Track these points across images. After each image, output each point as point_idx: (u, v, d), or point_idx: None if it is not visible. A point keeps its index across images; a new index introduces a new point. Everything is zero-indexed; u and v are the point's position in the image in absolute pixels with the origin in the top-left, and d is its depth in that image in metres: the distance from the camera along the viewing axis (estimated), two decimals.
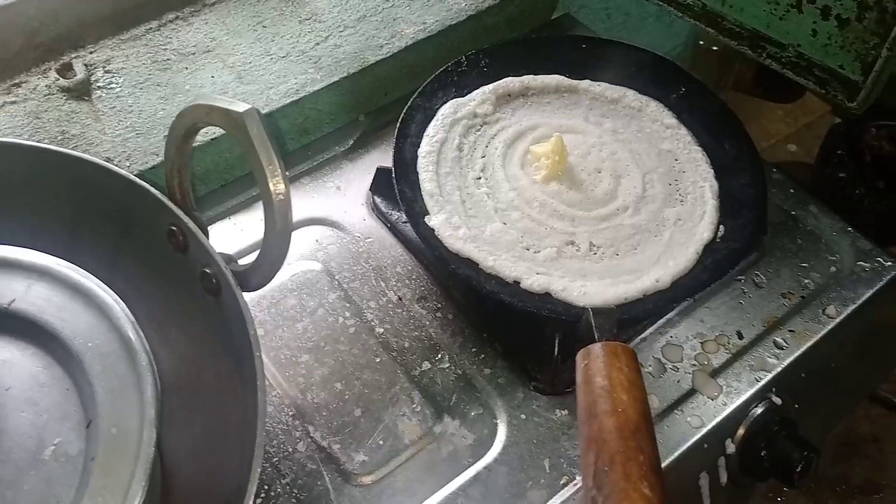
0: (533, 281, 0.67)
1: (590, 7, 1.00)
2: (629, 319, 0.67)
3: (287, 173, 0.47)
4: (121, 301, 0.50)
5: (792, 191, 0.80)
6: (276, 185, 0.47)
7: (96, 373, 0.48)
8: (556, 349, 0.65)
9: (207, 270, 0.53)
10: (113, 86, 0.78)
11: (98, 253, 0.57)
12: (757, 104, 1.19)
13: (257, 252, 0.53)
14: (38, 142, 0.71)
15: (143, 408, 0.46)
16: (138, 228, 0.56)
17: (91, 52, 0.80)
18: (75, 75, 0.77)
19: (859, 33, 0.70)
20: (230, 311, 0.51)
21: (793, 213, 0.79)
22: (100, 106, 0.76)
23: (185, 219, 0.53)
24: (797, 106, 1.20)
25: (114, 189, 0.55)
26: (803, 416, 0.71)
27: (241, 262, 0.56)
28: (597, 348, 0.55)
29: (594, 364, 0.54)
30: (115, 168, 0.55)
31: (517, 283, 0.67)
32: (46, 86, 0.76)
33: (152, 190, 0.54)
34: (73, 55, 0.79)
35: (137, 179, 0.54)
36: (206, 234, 0.54)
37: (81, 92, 0.77)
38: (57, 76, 0.77)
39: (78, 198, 0.58)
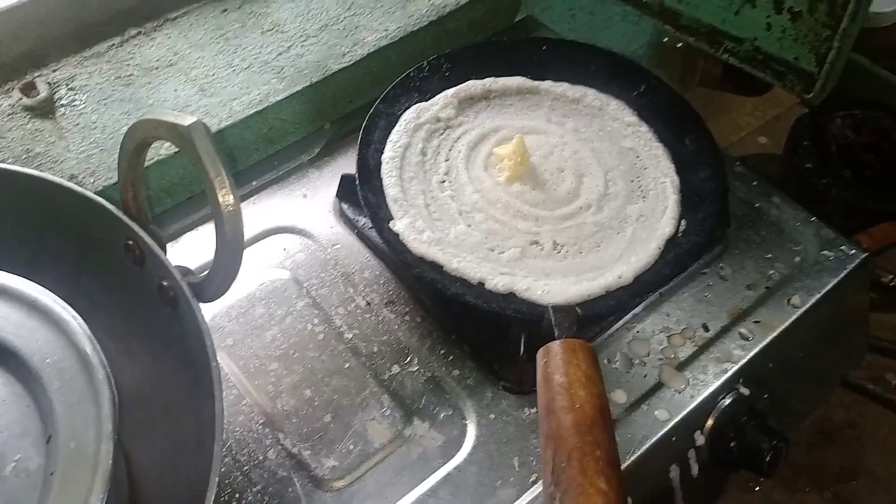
0: (497, 281, 0.68)
1: (553, 9, 1.00)
2: (593, 316, 0.68)
3: (235, 184, 0.48)
4: (78, 316, 0.50)
5: (755, 183, 0.81)
6: (225, 197, 0.47)
7: (55, 388, 0.48)
8: (522, 348, 0.66)
9: (165, 283, 0.53)
10: (76, 103, 0.78)
11: (59, 269, 0.57)
12: (726, 98, 1.20)
13: None
14: (1, 161, 0.72)
15: (101, 421, 0.47)
16: (97, 244, 0.56)
17: (54, 71, 0.80)
18: (38, 94, 0.77)
19: (812, 26, 0.71)
20: (188, 322, 0.51)
21: (756, 205, 0.80)
22: (63, 123, 0.76)
23: (141, 233, 0.53)
24: (766, 98, 1.21)
25: (71, 206, 0.56)
26: (773, 406, 0.72)
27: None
28: (556, 346, 0.56)
29: (553, 361, 0.55)
30: (71, 185, 0.55)
31: (482, 284, 0.68)
32: (10, 105, 0.77)
33: (107, 205, 0.54)
34: (35, 74, 0.79)
35: (93, 195, 0.55)
36: (163, 247, 0.54)
37: (45, 110, 0.77)
38: (20, 95, 0.77)
39: (37, 216, 0.58)
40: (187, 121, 0.47)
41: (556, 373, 0.54)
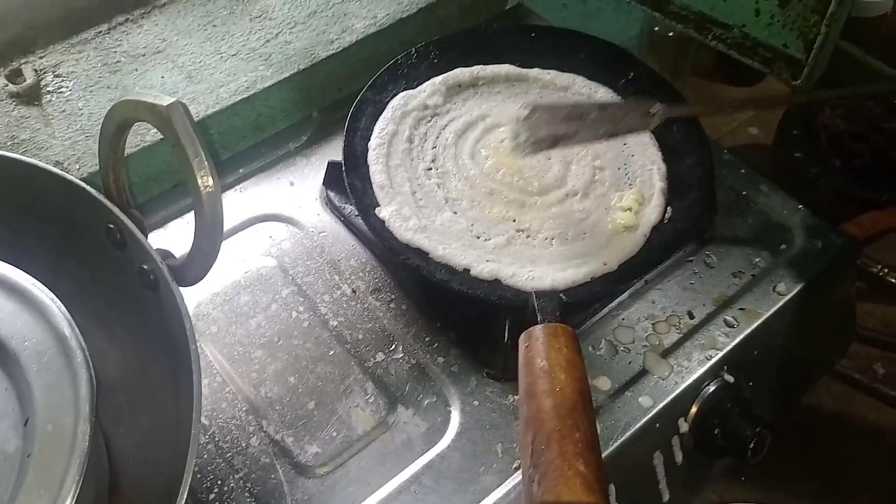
0: (482, 268, 0.67)
1: None
2: (578, 303, 0.68)
3: (214, 166, 0.47)
4: (57, 299, 0.50)
5: (743, 171, 0.81)
6: (204, 178, 0.47)
7: (33, 371, 0.48)
8: (507, 335, 0.66)
9: (145, 266, 0.53)
10: (63, 90, 0.78)
11: (42, 254, 0.57)
12: (718, 89, 1.19)
13: None
14: None
15: (79, 404, 0.47)
16: (79, 228, 0.56)
17: (41, 57, 0.80)
18: (25, 80, 0.77)
19: (800, 11, 0.71)
20: (168, 306, 0.51)
21: (744, 192, 0.80)
22: (50, 110, 0.76)
23: (122, 216, 0.53)
24: (757, 89, 1.21)
25: (52, 189, 0.56)
26: (758, 394, 0.72)
27: None
28: (537, 330, 0.56)
29: (534, 345, 0.55)
30: (51, 168, 0.55)
31: (467, 270, 0.68)
32: None
33: (88, 188, 0.54)
34: (22, 60, 0.79)
35: (73, 178, 0.54)
36: (144, 230, 0.54)
37: (31, 97, 0.77)
38: (6, 82, 0.77)
39: (20, 200, 0.58)
40: (166, 101, 0.47)
41: (538, 356, 0.54)
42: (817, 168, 0.98)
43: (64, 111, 0.76)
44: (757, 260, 0.75)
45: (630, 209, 0.71)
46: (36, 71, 0.78)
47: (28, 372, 0.48)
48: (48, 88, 0.78)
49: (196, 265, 0.51)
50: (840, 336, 0.84)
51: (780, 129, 1.05)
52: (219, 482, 0.62)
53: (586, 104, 0.76)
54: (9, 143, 0.73)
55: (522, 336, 0.57)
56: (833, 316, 0.81)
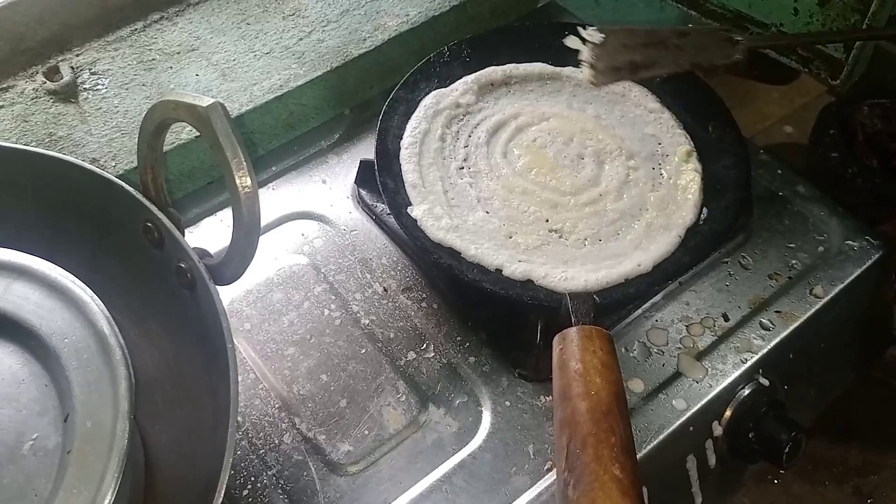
0: (515, 268, 0.67)
1: None
2: (612, 304, 0.67)
3: (252, 167, 0.48)
4: (96, 297, 0.51)
5: (779, 171, 0.80)
6: (242, 179, 0.47)
7: (72, 368, 0.49)
8: (539, 336, 0.66)
9: (182, 265, 0.53)
10: (99, 87, 0.78)
11: (79, 251, 0.58)
12: (752, 87, 1.18)
13: None
14: (25, 144, 0.72)
15: (118, 401, 0.47)
16: (116, 226, 0.57)
17: (77, 55, 0.81)
18: (62, 78, 0.78)
19: (840, 10, 0.70)
20: (205, 304, 0.52)
21: (780, 193, 0.79)
22: (86, 107, 0.77)
23: (160, 215, 0.54)
24: (793, 87, 1.19)
25: (91, 188, 0.56)
26: (792, 398, 0.71)
27: None
28: (572, 332, 0.56)
29: (569, 348, 0.54)
30: (90, 167, 0.56)
31: (499, 270, 0.67)
32: (34, 89, 0.77)
33: (126, 187, 0.55)
34: (59, 58, 0.80)
35: (112, 177, 0.55)
36: (182, 229, 0.54)
37: (68, 94, 0.78)
38: (44, 79, 0.78)
39: (59, 198, 0.59)
40: (205, 102, 0.47)
41: (572, 359, 0.53)
42: (854, 168, 0.97)
43: (100, 108, 0.77)
44: (793, 262, 0.74)
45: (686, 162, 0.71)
46: (73, 69, 0.79)
47: (68, 369, 0.49)
48: (85, 86, 0.78)
49: (233, 265, 0.51)
50: (876, 339, 0.83)
51: (816, 128, 1.03)
52: (252, 478, 0.62)
53: (664, 29, 0.70)
54: (46, 141, 0.74)
55: (557, 338, 0.56)
56: (869, 319, 0.80)
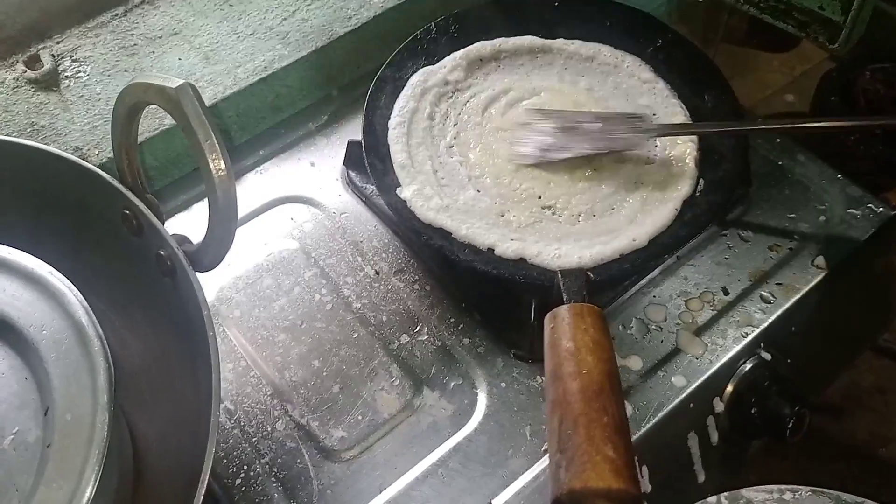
0: (507, 247, 0.66)
1: None
2: (607, 281, 0.66)
3: (226, 148, 0.46)
4: (74, 288, 0.50)
5: (778, 140, 0.78)
6: (216, 162, 0.46)
7: (51, 360, 0.47)
8: (533, 315, 0.64)
9: (162, 252, 0.52)
10: (81, 75, 0.77)
11: (59, 242, 0.56)
12: (751, 55, 1.15)
13: None
14: (6, 135, 0.71)
15: (97, 393, 0.46)
16: (95, 215, 0.56)
17: (58, 43, 0.79)
18: (43, 66, 0.77)
19: None
20: (185, 291, 0.50)
21: (780, 162, 0.77)
22: (68, 96, 0.76)
23: (137, 201, 0.52)
24: (793, 55, 1.17)
25: (68, 176, 0.55)
26: (796, 372, 0.69)
27: None
28: (563, 310, 0.54)
29: (560, 326, 0.53)
30: (66, 155, 0.54)
31: (491, 250, 0.66)
32: (14, 78, 0.76)
33: (103, 174, 0.53)
34: (40, 46, 0.79)
35: (87, 164, 0.54)
36: (160, 215, 0.53)
37: (49, 83, 0.76)
38: (24, 68, 0.77)
39: (37, 188, 0.57)
40: (175, 83, 0.46)
41: (564, 338, 0.52)
42: (856, 135, 0.95)
43: (82, 96, 0.75)
44: (794, 232, 0.72)
45: None
46: (54, 56, 0.78)
47: (47, 361, 0.48)
48: (66, 74, 0.77)
49: (212, 251, 0.50)
50: (882, 310, 0.81)
51: (817, 94, 1.01)
52: (245, 467, 0.61)
53: (582, 113, 0.73)
54: (28, 130, 0.73)
55: (548, 317, 0.55)
56: (874, 289, 0.78)
